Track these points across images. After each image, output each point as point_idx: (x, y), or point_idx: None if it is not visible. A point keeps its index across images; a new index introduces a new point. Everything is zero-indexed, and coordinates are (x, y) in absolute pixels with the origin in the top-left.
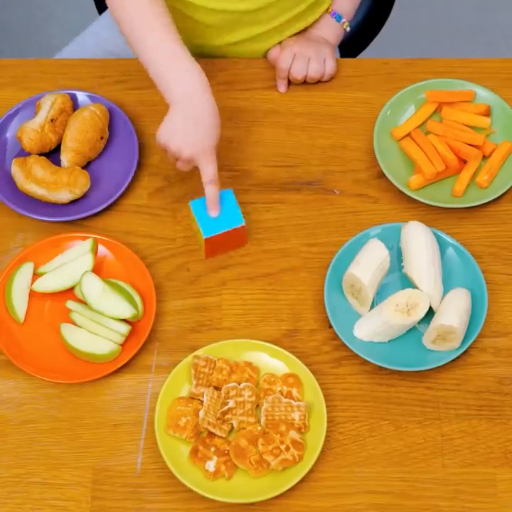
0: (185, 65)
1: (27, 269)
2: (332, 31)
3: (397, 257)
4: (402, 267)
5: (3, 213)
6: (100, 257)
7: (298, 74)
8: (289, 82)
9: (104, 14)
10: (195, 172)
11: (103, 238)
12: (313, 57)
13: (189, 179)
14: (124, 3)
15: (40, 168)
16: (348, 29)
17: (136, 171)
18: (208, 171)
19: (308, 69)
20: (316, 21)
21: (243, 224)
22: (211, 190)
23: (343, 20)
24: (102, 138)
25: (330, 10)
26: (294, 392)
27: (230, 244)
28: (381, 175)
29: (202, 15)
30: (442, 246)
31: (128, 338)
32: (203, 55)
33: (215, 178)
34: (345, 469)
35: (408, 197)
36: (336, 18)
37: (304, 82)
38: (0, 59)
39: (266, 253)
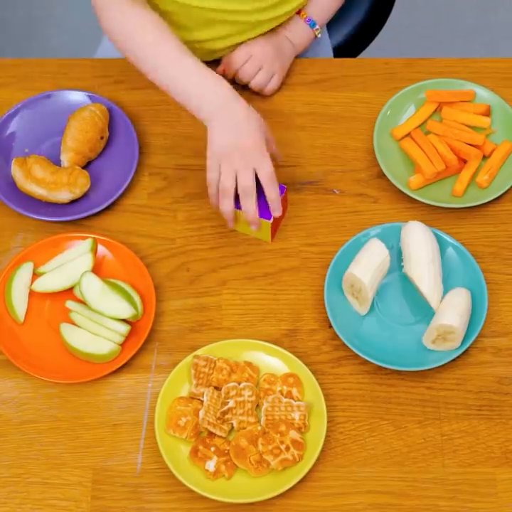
0: (205, 77)
1: (27, 269)
2: (303, 35)
3: (397, 257)
4: (402, 266)
5: (3, 213)
6: (100, 257)
7: (245, 76)
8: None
9: None
10: (194, 172)
11: (103, 238)
12: (265, 69)
13: (189, 179)
14: (133, 34)
15: (40, 168)
16: (319, 36)
17: (136, 171)
18: (264, 169)
19: (255, 77)
20: (289, 23)
21: (285, 187)
22: (271, 191)
23: (317, 27)
24: (102, 138)
25: (305, 16)
26: (294, 392)
27: (281, 215)
28: (381, 175)
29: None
30: (442, 246)
31: (128, 338)
32: None
33: (273, 176)
34: (345, 469)
35: (408, 197)
36: (310, 24)
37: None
38: (0, 59)
39: (266, 253)
